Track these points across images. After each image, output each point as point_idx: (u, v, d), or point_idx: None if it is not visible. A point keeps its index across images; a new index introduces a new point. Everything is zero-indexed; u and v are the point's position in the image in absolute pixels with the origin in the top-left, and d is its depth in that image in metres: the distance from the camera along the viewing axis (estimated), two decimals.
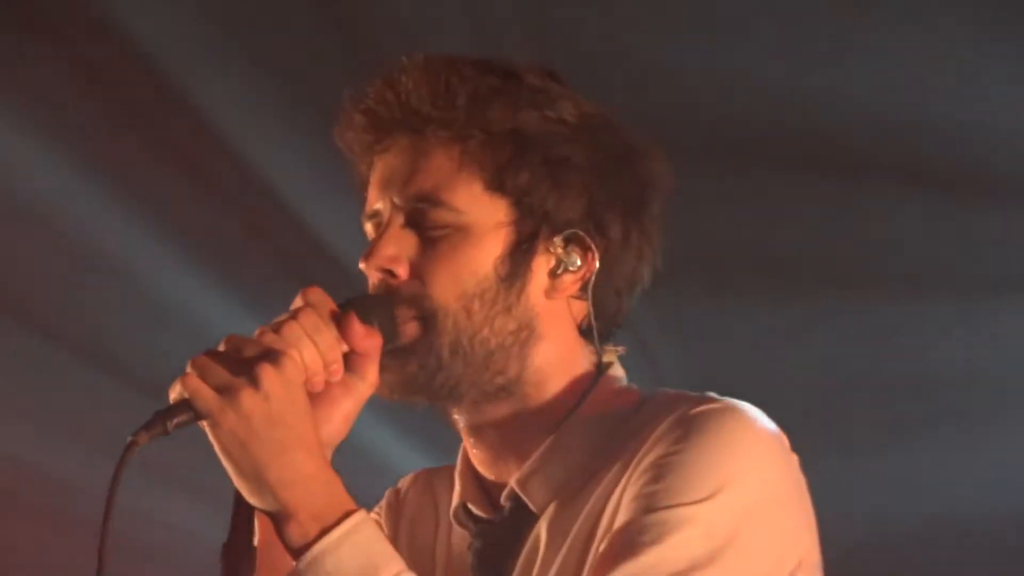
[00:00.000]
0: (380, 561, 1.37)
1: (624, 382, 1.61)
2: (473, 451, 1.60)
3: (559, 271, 1.55)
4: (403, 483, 1.76)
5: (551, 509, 1.53)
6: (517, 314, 1.53)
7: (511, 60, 1.56)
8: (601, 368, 1.59)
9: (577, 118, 1.54)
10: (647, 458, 1.45)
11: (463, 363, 1.51)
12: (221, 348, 1.41)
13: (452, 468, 1.68)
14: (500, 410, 1.56)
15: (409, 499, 1.71)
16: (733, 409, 1.48)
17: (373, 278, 1.54)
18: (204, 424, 1.38)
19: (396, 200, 1.54)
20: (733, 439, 1.45)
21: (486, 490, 1.60)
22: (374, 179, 1.57)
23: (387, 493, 1.77)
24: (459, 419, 1.58)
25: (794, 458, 1.51)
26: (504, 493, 1.55)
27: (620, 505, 1.45)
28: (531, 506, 1.53)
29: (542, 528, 1.53)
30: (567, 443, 1.55)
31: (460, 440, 1.64)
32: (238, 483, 1.39)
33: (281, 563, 1.42)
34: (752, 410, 1.49)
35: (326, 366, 1.44)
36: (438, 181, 1.52)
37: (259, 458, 1.37)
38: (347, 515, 1.38)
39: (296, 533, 1.37)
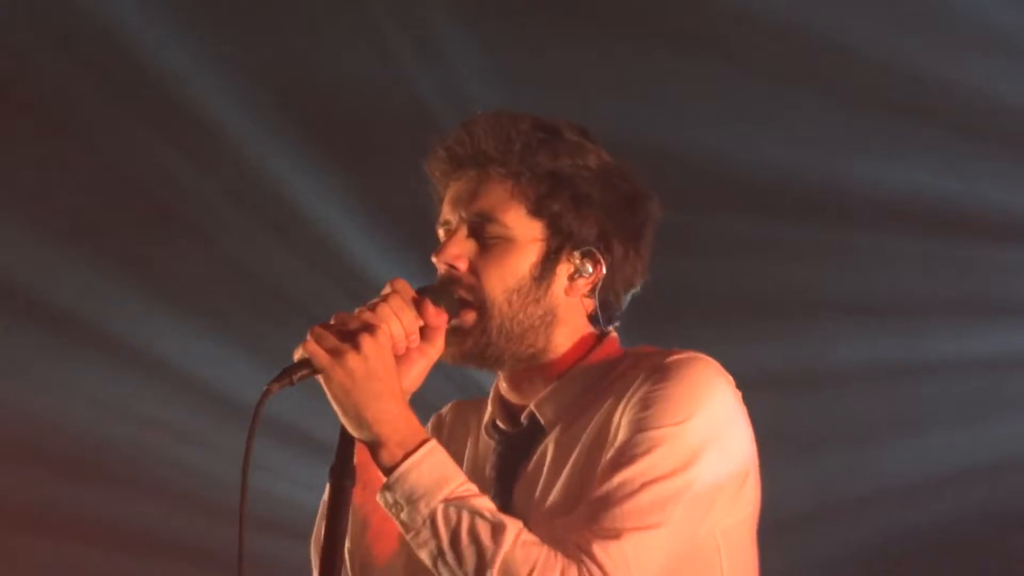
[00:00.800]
0: (449, 474, 1.88)
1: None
2: (504, 384, 2.13)
3: (576, 276, 2.07)
4: (444, 410, 2.26)
5: (557, 428, 2.04)
6: (544, 305, 2.04)
7: (557, 119, 2.08)
8: (601, 336, 2.12)
9: (598, 166, 2.07)
10: (636, 394, 1.96)
11: (505, 340, 2.03)
12: (332, 321, 1.92)
13: (480, 400, 2.20)
14: (526, 364, 2.08)
15: (448, 421, 2.20)
16: (698, 358, 2.01)
17: (441, 269, 2.05)
18: (319, 377, 1.88)
19: (463, 214, 2.05)
20: (699, 380, 1.97)
21: (510, 412, 2.12)
22: (448, 198, 2.09)
23: (432, 418, 2.26)
24: (502, 374, 2.12)
25: (739, 394, 2.03)
26: (524, 413, 2.08)
27: (619, 427, 1.95)
28: (542, 422, 2.06)
29: (550, 441, 2.04)
30: (572, 381, 2.07)
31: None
32: (344, 420, 1.89)
33: (373, 479, 1.93)
34: (710, 359, 2.02)
35: (407, 336, 1.94)
36: (494, 204, 2.03)
37: (359, 402, 1.87)
38: (423, 443, 1.89)
39: (386, 456, 1.88)
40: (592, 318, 2.11)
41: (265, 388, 1.86)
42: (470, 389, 2.58)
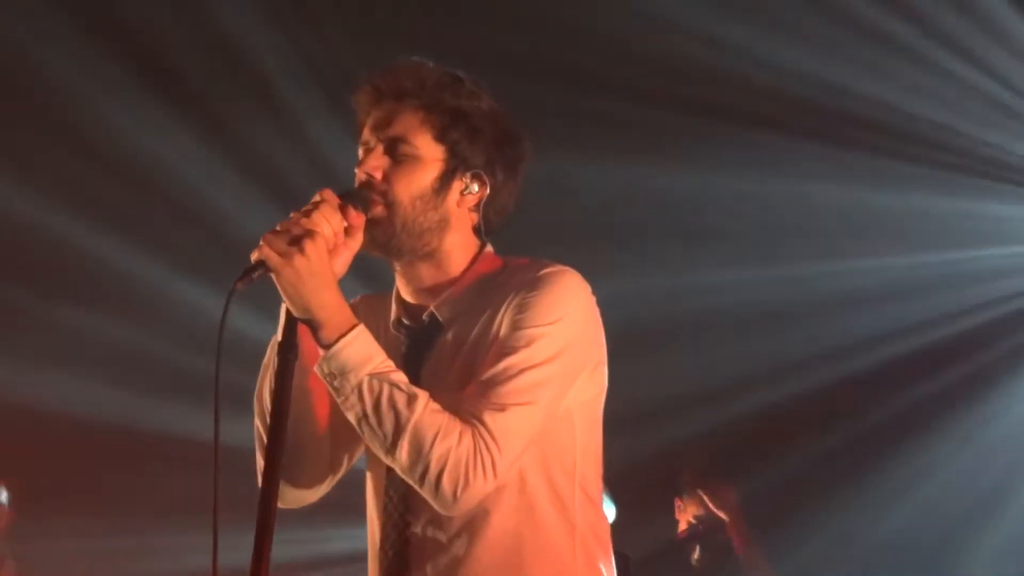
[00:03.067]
0: (374, 353, 2.35)
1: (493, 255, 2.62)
2: (405, 287, 2.58)
3: (465, 192, 2.53)
4: (354, 300, 2.60)
5: (453, 325, 2.51)
6: (440, 212, 2.51)
7: (461, 71, 2.55)
8: (482, 248, 2.59)
9: (489, 107, 2.55)
10: (515, 300, 2.44)
11: (407, 234, 2.49)
12: (278, 228, 2.34)
13: (381, 296, 2.65)
14: (424, 266, 2.54)
15: (358, 312, 2.46)
16: (564, 270, 2.50)
17: (361, 177, 2.49)
18: (272, 275, 2.31)
19: (380, 136, 2.50)
20: (566, 289, 2.47)
21: (410, 311, 2.58)
22: (368, 123, 2.53)
23: None
24: (398, 267, 2.57)
25: (593, 298, 2.53)
26: (425, 313, 2.54)
27: (501, 325, 2.43)
28: (441, 320, 2.53)
29: (448, 334, 2.52)
30: (463, 287, 2.54)
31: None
32: (291, 307, 2.34)
33: (309, 356, 2.39)
34: (573, 271, 2.51)
35: (336, 235, 2.38)
36: (407, 129, 2.49)
37: (304, 294, 2.32)
38: (354, 327, 2.35)
39: (324, 336, 2.33)
40: (476, 230, 2.58)
41: (231, 288, 2.30)
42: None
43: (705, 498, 5.70)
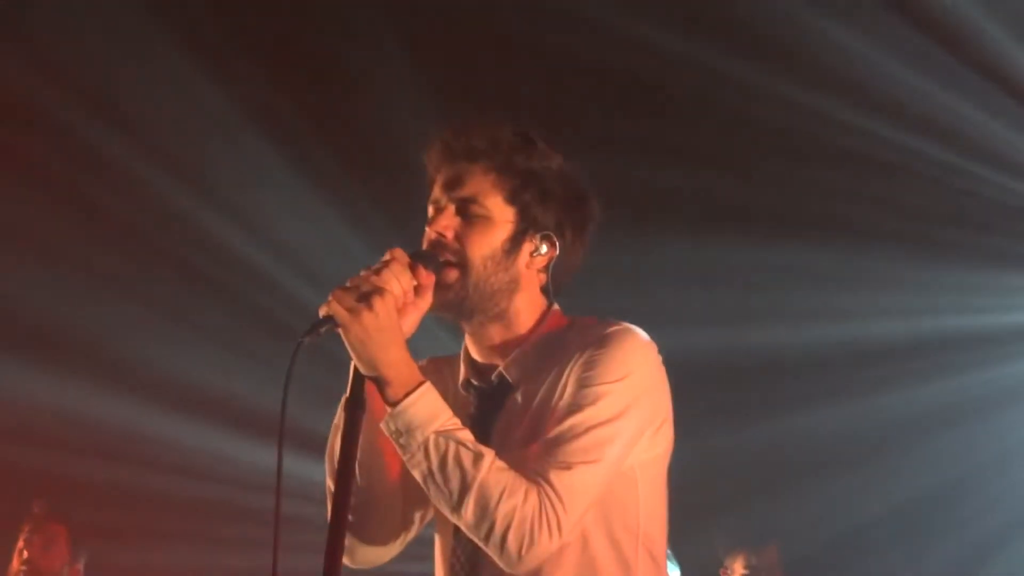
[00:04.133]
0: (440, 410, 2.36)
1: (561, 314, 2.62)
2: (474, 347, 2.59)
3: (535, 253, 2.55)
4: (422, 362, 2.56)
5: (521, 385, 2.52)
6: (510, 273, 2.52)
7: (531, 131, 2.56)
8: (549, 307, 2.60)
9: (559, 168, 2.56)
10: (582, 359, 2.45)
11: (478, 296, 2.50)
12: (348, 284, 2.36)
13: (449, 358, 2.66)
14: (494, 326, 2.55)
15: (426, 373, 2.45)
16: (630, 329, 2.51)
17: (432, 236, 2.50)
18: (340, 330, 2.33)
19: (451, 196, 2.52)
20: (632, 348, 2.48)
21: (478, 371, 2.59)
22: (440, 181, 2.54)
23: None
24: (467, 328, 2.57)
25: (660, 358, 2.53)
26: (494, 373, 2.55)
27: (567, 383, 2.43)
28: (510, 380, 2.53)
29: (517, 395, 2.52)
30: (531, 347, 2.55)
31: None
32: (358, 363, 2.35)
33: (378, 411, 2.39)
34: (638, 330, 2.52)
35: (405, 295, 2.39)
36: (478, 190, 2.51)
37: (372, 350, 2.33)
38: (420, 384, 2.36)
39: (391, 393, 2.35)
40: (544, 290, 2.60)
41: (298, 341, 2.32)
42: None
43: (749, 557, 5.79)
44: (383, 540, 2.60)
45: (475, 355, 2.61)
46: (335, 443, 2.48)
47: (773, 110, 5.85)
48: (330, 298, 2.35)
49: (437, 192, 2.56)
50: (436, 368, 2.66)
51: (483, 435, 2.46)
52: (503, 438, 2.48)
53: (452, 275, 2.50)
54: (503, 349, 2.57)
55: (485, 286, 2.51)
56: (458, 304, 2.52)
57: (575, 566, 2.43)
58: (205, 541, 6.71)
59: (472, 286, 2.50)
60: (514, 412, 2.52)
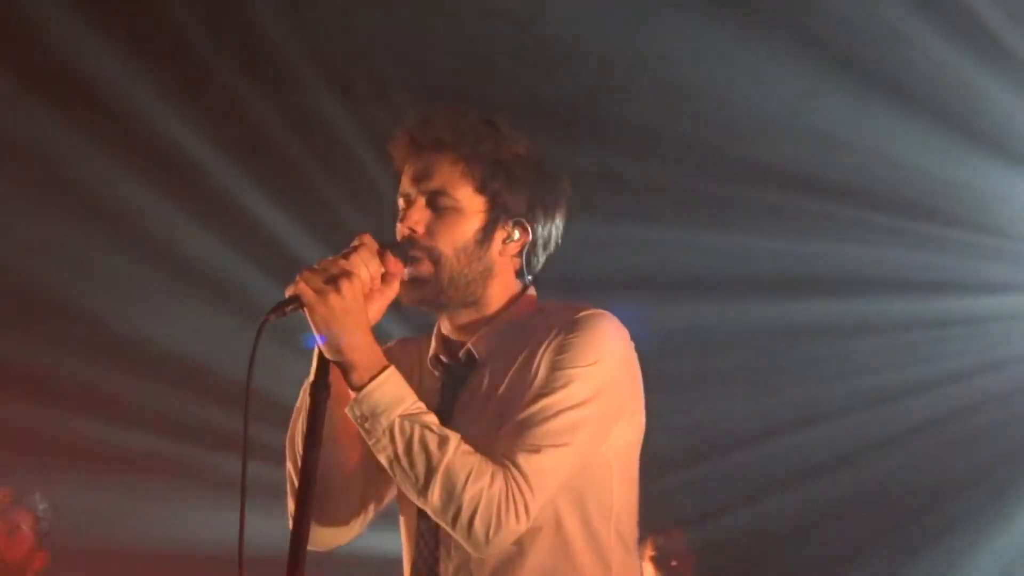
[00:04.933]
0: (405, 395, 2.36)
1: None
2: (446, 324, 2.59)
3: (507, 240, 2.56)
4: (390, 344, 2.67)
5: (489, 363, 2.53)
6: (484, 262, 2.53)
7: (496, 116, 2.57)
8: (524, 290, 2.61)
9: (526, 153, 2.57)
10: (553, 342, 2.46)
11: (454, 288, 2.52)
12: (316, 266, 2.37)
13: (419, 339, 2.67)
14: (467, 310, 2.56)
15: (394, 354, 2.54)
16: (603, 314, 2.51)
17: (403, 232, 2.51)
18: (305, 310, 2.33)
19: (420, 189, 2.52)
20: (603, 333, 2.49)
21: (449, 347, 2.60)
22: (407, 174, 2.55)
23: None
24: (442, 315, 2.59)
25: (632, 344, 2.54)
26: (462, 350, 2.56)
27: (539, 366, 2.44)
28: (477, 358, 2.54)
29: (485, 372, 2.53)
30: (500, 325, 2.56)
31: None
32: (323, 347, 2.36)
33: (342, 394, 2.39)
34: (610, 314, 2.53)
35: (372, 281, 2.40)
36: (447, 181, 2.52)
37: (337, 333, 2.33)
38: (384, 368, 2.37)
39: (356, 378, 2.35)
40: (518, 274, 2.61)
41: (263, 318, 2.33)
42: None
43: (656, 540, 5.91)
44: (342, 522, 2.61)
45: (446, 331, 2.63)
46: (296, 428, 2.50)
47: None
48: (297, 279, 2.37)
49: (406, 185, 2.57)
50: (405, 348, 2.69)
51: (447, 410, 2.49)
52: (468, 415, 2.50)
53: (426, 270, 2.52)
54: (473, 327, 2.59)
55: (459, 278, 2.53)
56: (435, 298, 2.54)
57: (548, 550, 2.45)
58: (171, 507, 6.71)
59: (447, 279, 2.52)
60: (480, 390, 2.54)
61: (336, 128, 6.26)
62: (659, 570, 5.90)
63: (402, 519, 2.62)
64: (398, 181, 2.60)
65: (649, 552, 5.88)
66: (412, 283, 2.51)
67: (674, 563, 5.91)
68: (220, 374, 6.09)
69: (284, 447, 2.56)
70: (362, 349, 2.38)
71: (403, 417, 2.36)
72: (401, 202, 2.58)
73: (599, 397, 2.45)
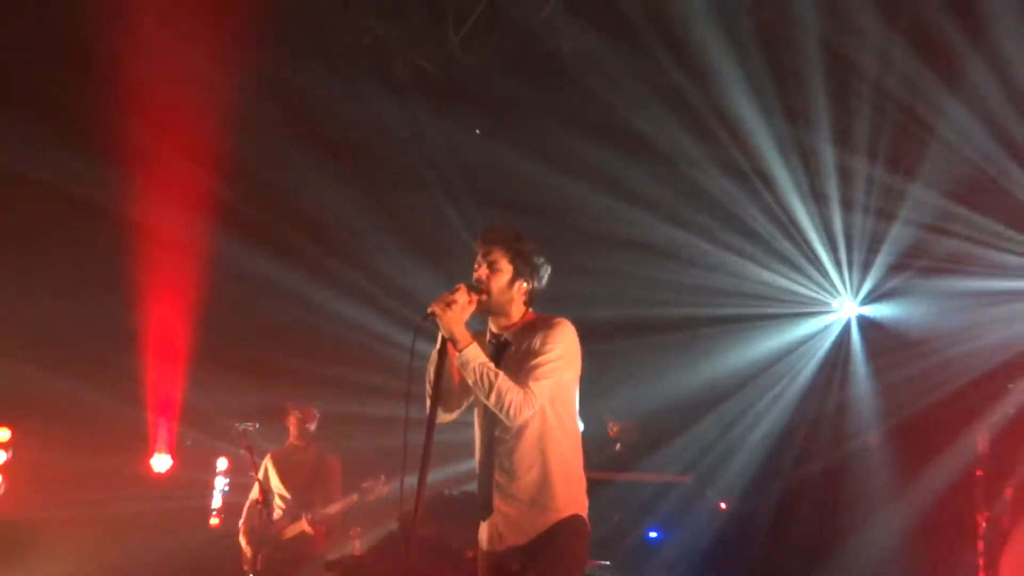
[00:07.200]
0: (479, 353, 5.33)
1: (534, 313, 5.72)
2: (492, 326, 5.59)
3: (521, 287, 5.58)
4: (473, 333, 5.55)
5: (513, 343, 5.53)
6: (509, 295, 5.56)
7: (519, 231, 5.61)
8: (528, 310, 5.65)
9: (531, 249, 5.60)
10: (541, 333, 5.45)
11: (496, 308, 5.54)
12: (441, 298, 5.34)
13: (482, 331, 5.64)
14: (501, 319, 5.58)
15: (476, 337, 5.49)
16: (565, 320, 5.52)
17: (476, 277, 5.50)
18: (437, 319, 5.31)
19: (485, 259, 5.53)
20: (565, 329, 5.51)
21: (495, 336, 5.59)
22: (480, 251, 5.55)
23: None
24: (490, 319, 5.61)
25: (576, 335, 5.57)
26: (502, 338, 5.56)
27: (536, 344, 5.43)
28: (508, 340, 5.53)
29: (512, 347, 5.52)
30: (518, 327, 5.58)
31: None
32: (446, 334, 5.35)
33: (453, 355, 5.40)
34: (568, 321, 5.53)
35: (465, 304, 5.40)
36: (496, 257, 5.54)
37: (451, 327, 5.31)
38: (472, 343, 5.33)
39: (460, 346, 5.32)
40: (526, 303, 5.59)
41: (416, 323, 5.35)
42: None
43: (620, 423, 9.30)
44: (452, 409, 5.56)
45: (492, 329, 5.57)
46: (430, 370, 5.44)
47: None
48: (432, 305, 5.30)
49: (479, 257, 5.52)
50: (478, 336, 5.55)
51: (496, 363, 5.38)
52: (506, 364, 5.39)
53: (485, 298, 5.45)
54: (506, 328, 5.52)
55: (498, 304, 5.49)
56: (487, 311, 5.50)
57: (540, 422, 5.37)
58: None
59: (493, 303, 5.48)
60: (510, 355, 5.45)
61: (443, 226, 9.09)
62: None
63: (476, 412, 5.58)
64: (475, 254, 5.57)
65: (614, 429, 8.86)
66: (478, 304, 5.45)
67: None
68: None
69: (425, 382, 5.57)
70: (461, 333, 5.31)
71: (480, 363, 5.30)
72: (476, 264, 5.54)
73: (564, 356, 5.41)
